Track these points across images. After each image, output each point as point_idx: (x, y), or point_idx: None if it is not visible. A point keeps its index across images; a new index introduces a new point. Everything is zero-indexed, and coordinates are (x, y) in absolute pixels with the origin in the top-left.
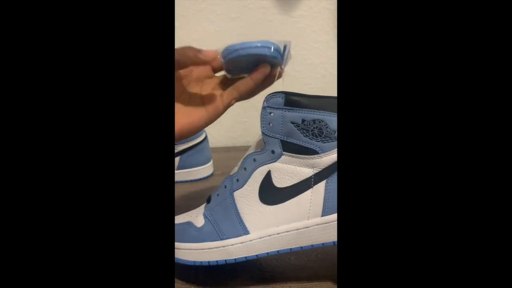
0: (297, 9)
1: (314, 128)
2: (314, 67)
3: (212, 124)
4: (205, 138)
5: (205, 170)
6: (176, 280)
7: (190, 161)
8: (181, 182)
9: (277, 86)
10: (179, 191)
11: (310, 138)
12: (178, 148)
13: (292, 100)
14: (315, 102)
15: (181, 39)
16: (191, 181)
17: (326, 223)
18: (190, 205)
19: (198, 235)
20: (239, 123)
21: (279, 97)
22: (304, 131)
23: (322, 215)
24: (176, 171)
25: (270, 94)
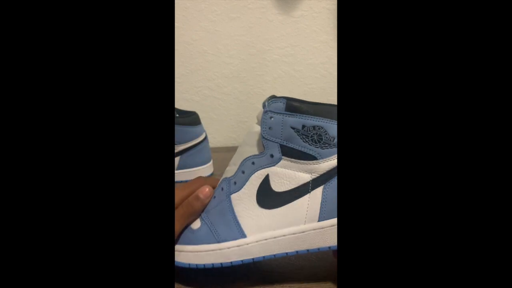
0: (297, 9)
1: (313, 134)
2: (314, 67)
3: (212, 124)
4: (205, 138)
5: (205, 170)
6: (176, 280)
7: (190, 161)
8: (181, 182)
9: (278, 86)
10: None
11: (309, 144)
12: (178, 148)
13: (293, 106)
14: (315, 108)
15: (181, 39)
16: None
17: (322, 228)
18: None
19: (194, 238)
20: (239, 123)
21: (281, 102)
22: (304, 136)
23: (319, 220)
24: (176, 171)
25: (272, 99)
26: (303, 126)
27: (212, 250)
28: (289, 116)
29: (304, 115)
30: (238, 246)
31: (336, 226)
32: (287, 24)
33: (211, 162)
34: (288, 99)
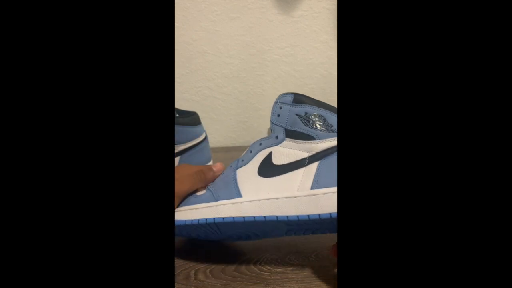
0: (297, 9)
1: (314, 120)
2: (314, 67)
3: (212, 124)
4: (205, 138)
5: None
6: (176, 280)
7: (190, 161)
8: None
9: (278, 86)
10: None
11: (309, 127)
12: (178, 148)
13: (299, 99)
14: (318, 103)
15: (181, 39)
16: None
17: (313, 195)
18: None
19: (195, 200)
20: (239, 123)
21: (289, 96)
22: (305, 121)
23: (311, 189)
24: None
25: (282, 93)
26: (306, 113)
27: (209, 207)
28: (295, 106)
29: (308, 105)
30: (232, 203)
31: (327, 194)
32: (287, 24)
33: (211, 162)
34: (296, 94)
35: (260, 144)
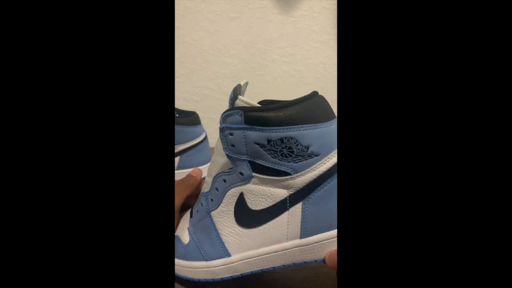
0: (297, 9)
1: (282, 148)
2: (314, 67)
3: (212, 124)
4: (205, 138)
5: (205, 170)
6: (176, 280)
7: (190, 161)
8: None
9: (279, 86)
10: None
11: (279, 159)
12: (178, 148)
13: (252, 117)
14: (281, 114)
15: (181, 39)
16: None
17: (305, 245)
18: None
19: (184, 253)
20: None
21: (237, 114)
22: (272, 152)
23: (301, 237)
24: (176, 171)
25: (225, 111)
26: (269, 141)
27: (202, 268)
28: (250, 130)
29: (267, 127)
30: (224, 265)
31: (320, 243)
32: (287, 24)
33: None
34: (245, 110)
35: (224, 180)
